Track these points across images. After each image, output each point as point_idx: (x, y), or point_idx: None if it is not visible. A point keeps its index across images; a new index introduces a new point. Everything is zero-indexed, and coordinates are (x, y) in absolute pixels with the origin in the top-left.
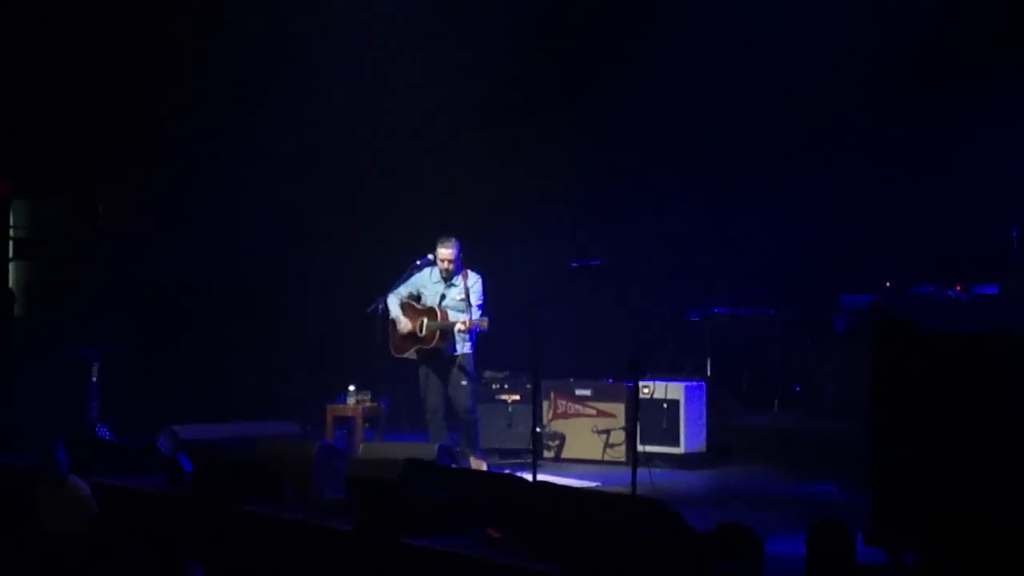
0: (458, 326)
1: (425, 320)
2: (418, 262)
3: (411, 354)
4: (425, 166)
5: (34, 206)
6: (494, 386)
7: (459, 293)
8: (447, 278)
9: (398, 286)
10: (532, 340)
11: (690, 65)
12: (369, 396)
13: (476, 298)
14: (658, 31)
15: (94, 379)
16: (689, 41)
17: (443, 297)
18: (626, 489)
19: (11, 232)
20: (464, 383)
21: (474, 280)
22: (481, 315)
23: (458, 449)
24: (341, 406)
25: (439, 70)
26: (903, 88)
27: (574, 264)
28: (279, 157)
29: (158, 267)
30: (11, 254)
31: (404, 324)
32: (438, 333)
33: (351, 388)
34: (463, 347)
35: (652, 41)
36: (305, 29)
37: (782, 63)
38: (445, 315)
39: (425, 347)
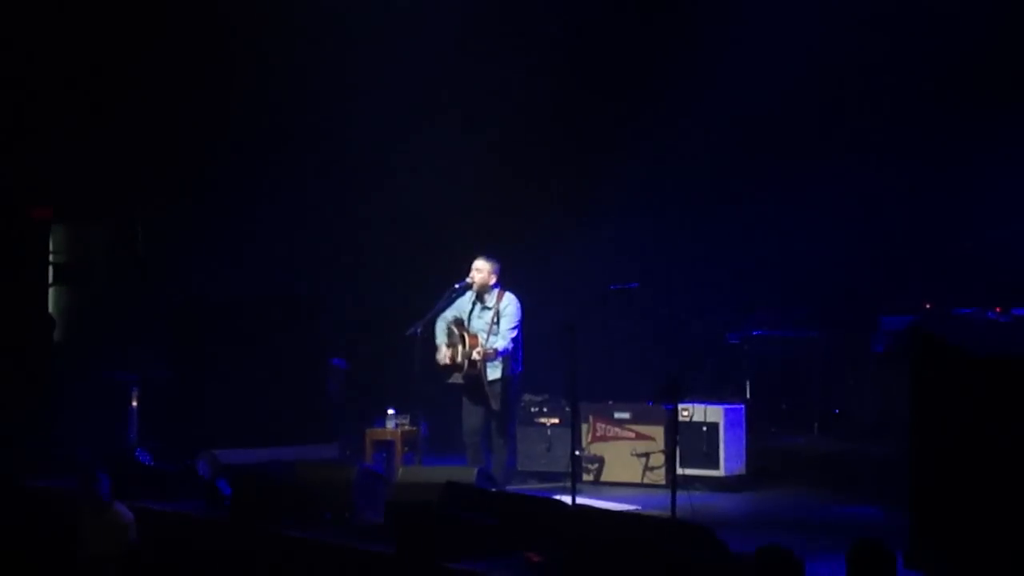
0: (474, 356)
1: (460, 348)
2: (456, 286)
3: (457, 378)
4: (465, 187)
5: (74, 231)
6: (533, 409)
7: (490, 316)
8: (480, 297)
9: (441, 310)
10: (570, 363)
11: (728, 86)
12: (408, 420)
13: (508, 322)
14: (695, 51)
15: (134, 403)
16: (727, 61)
17: (471, 318)
18: (666, 512)
19: (51, 257)
20: (497, 408)
21: (507, 303)
22: (513, 339)
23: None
24: (380, 430)
25: (478, 91)
26: (945, 107)
27: (613, 287)
28: (318, 178)
29: (197, 290)
30: (51, 279)
31: (443, 352)
32: (468, 361)
33: (390, 412)
34: (494, 373)
35: (688, 62)
36: (342, 50)
37: (823, 82)
38: (476, 341)
39: (462, 374)
